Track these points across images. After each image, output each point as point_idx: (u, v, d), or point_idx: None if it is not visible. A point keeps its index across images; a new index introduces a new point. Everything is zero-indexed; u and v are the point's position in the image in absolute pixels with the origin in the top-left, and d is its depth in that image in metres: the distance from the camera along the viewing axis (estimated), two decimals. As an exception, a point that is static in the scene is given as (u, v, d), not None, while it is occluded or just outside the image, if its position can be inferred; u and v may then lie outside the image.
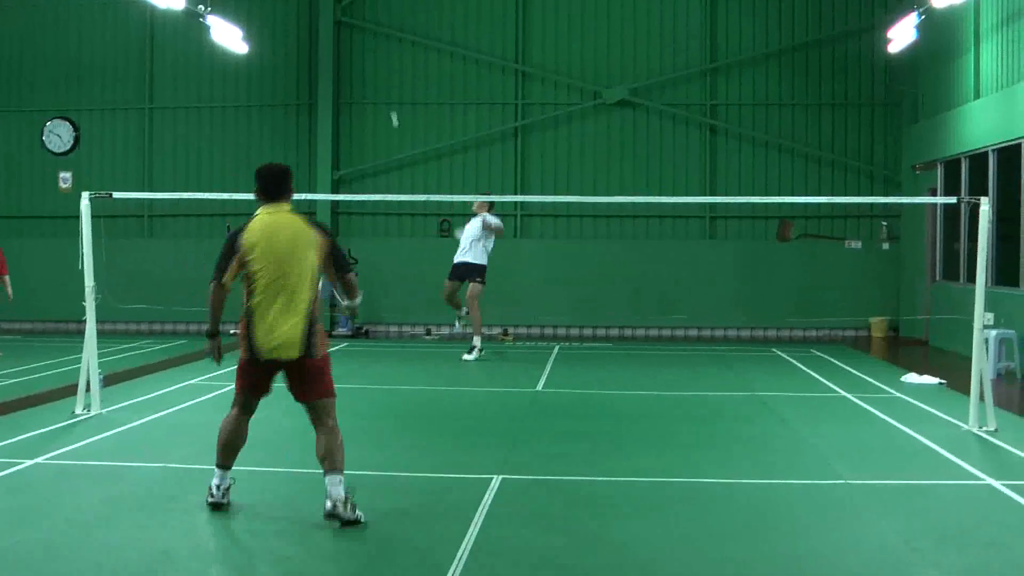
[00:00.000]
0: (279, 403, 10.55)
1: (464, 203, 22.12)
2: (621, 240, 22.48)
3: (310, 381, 7.30)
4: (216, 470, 7.51)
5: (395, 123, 18.76)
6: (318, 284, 7.38)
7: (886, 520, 7.40)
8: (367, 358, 17.66)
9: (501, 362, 17.19)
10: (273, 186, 7.42)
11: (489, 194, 18.95)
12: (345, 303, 7.94)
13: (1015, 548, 6.81)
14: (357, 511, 7.06)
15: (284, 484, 8.46)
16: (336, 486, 7.06)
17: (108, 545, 6.69)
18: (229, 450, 7.49)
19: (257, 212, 7.40)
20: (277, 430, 10.79)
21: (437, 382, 14.66)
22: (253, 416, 7.56)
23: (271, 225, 7.27)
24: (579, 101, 22.62)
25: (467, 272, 17.20)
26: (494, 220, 17.08)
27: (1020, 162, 16.04)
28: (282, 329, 7.15)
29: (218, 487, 7.47)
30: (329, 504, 7.03)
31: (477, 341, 17.17)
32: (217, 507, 7.43)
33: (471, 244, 17.16)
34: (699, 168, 22.38)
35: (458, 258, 17.29)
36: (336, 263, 7.52)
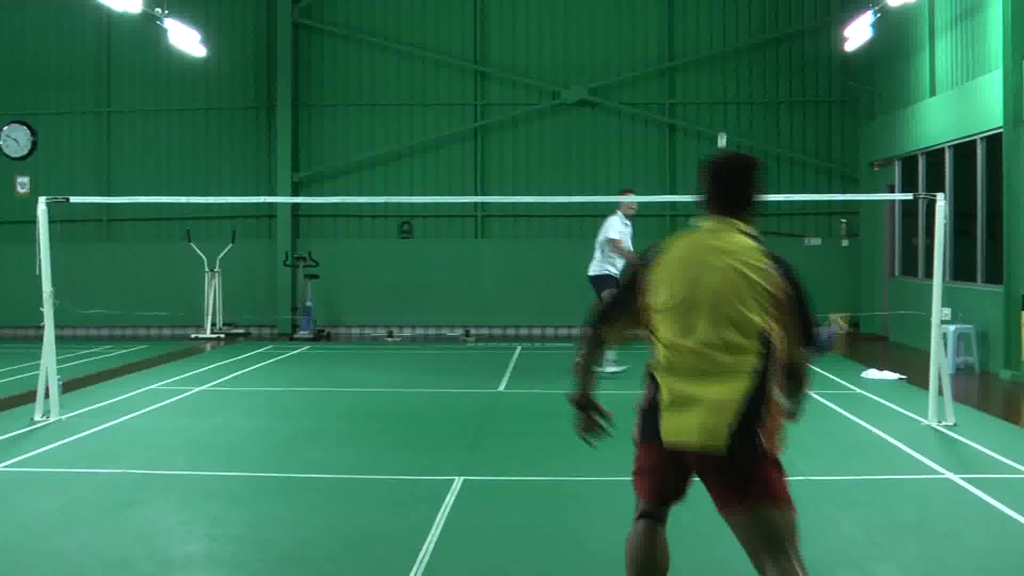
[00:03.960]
0: (238, 404, 10.53)
1: (424, 205, 22.13)
2: (582, 239, 22.39)
3: (736, 484, 4.53)
4: None
5: (722, 143, 16.87)
6: (773, 342, 4.44)
7: (846, 514, 7.47)
8: (329, 361, 17.60)
9: (462, 363, 17.17)
10: (728, 190, 4.56)
11: (629, 192, 15.89)
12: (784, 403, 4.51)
13: (971, 539, 6.89)
14: None
15: (244, 488, 8.41)
16: None
17: (66, 552, 6.63)
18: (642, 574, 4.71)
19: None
20: (235, 432, 10.76)
21: (399, 384, 14.56)
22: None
23: (696, 246, 4.48)
24: (538, 101, 22.65)
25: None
26: (611, 233, 14.97)
27: (976, 158, 16.20)
28: (697, 406, 4.40)
29: None
30: None
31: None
32: None
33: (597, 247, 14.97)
34: (658, 167, 22.46)
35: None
36: (795, 323, 4.58)
